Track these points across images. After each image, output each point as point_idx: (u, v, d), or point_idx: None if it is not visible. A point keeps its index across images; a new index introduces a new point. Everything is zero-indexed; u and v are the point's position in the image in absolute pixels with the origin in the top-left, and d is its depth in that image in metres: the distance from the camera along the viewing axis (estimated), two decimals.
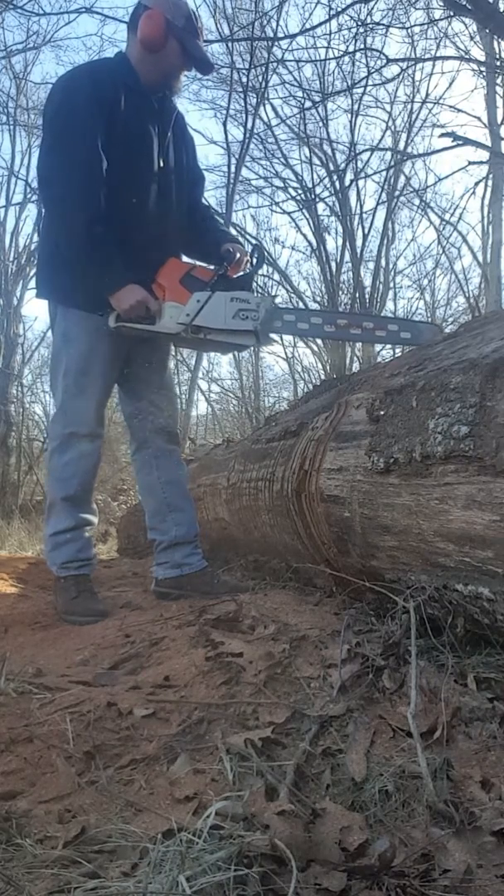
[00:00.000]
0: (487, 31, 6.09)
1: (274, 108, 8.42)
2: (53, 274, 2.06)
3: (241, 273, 2.06)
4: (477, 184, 9.88)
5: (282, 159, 10.45)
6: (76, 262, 1.93)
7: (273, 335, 1.99)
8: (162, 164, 2.03)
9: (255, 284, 2.14)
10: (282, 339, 16.34)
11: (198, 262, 2.03)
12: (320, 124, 9.94)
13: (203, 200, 2.35)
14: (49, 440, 2.21)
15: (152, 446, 2.20)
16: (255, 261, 2.09)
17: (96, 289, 1.94)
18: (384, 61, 6.07)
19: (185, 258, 2.15)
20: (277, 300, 2.17)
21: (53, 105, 1.93)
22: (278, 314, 2.00)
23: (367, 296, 10.48)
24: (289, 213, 11.19)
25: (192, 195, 2.21)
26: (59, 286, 2.05)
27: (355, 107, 9.70)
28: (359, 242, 10.54)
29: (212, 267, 2.03)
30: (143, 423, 2.21)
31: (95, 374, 2.05)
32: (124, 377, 2.19)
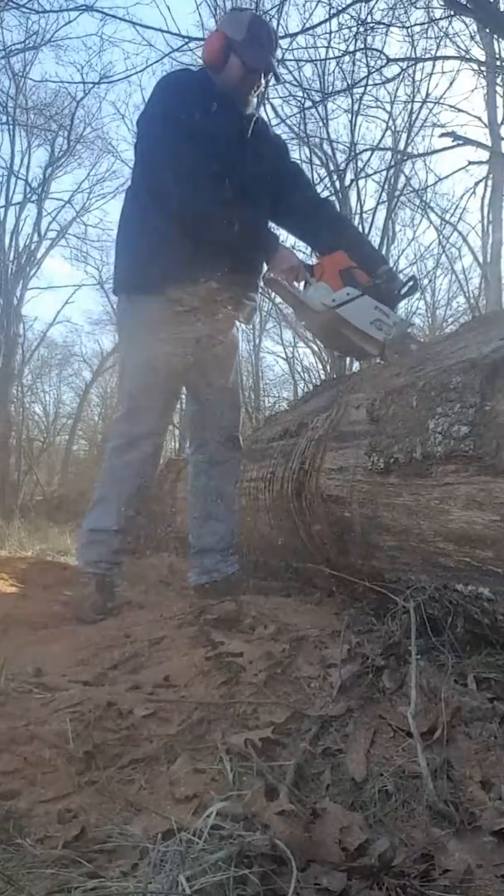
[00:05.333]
0: (487, 30, 6.08)
1: (274, 108, 8.36)
2: (135, 261, 2.08)
3: (395, 293, 2.17)
4: (477, 184, 9.85)
5: None
6: (226, 231, 1.95)
7: (396, 355, 2.10)
8: (242, 165, 2.06)
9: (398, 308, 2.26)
10: (281, 339, 16.37)
11: (361, 266, 2.11)
12: (320, 124, 9.92)
13: (314, 194, 2.39)
14: (111, 437, 2.22)
15: (209, 451, 2.22)
16: (407, 288, 2.20)
17: (253, 253, 2.06)
18: (384, 61, 6.04)
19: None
20: (411, 330, 2.27)
21: (160, 102, 2.02)
22: (408, 340, 2.11)
23: None
24: None
25: (290, 190, 2.24)
26: (137, 273, 2.07)
27: (355, 107, 9.69)
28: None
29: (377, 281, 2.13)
30: (203, 428, 2.22)
31: (161, 375, 2.05)
32: (191, 379, 2.20)
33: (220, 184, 1.96)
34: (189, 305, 2.00)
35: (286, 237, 2.73)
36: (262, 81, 2.11)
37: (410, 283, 2.19)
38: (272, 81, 2.18)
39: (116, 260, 2.17)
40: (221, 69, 2.03)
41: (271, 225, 2.23)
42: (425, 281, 12.96)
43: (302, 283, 2.11)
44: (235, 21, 2.04)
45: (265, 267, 2.14)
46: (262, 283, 2.19)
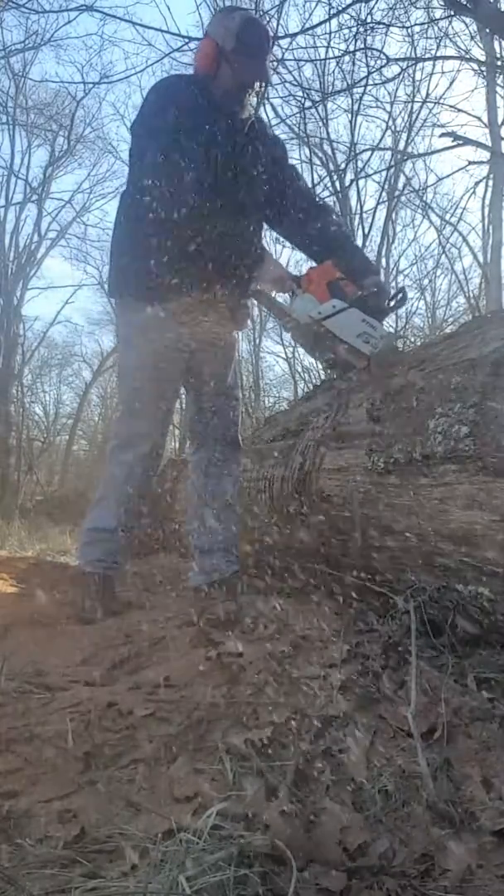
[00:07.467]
0: (487, 30, 6.08)
1: (274, 108, 8.37)
2: (126, 266, 2.08)
3: (383, 306, 2.14)
4: (477, 184, 9.91)
5: None
6: (214, 237, 1.94)
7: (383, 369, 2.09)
8: (233, 173, 2.05)
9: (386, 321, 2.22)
10: (281, 339, 16.37)
11: (348, 278, 2.09)
12: (320, 124, 9.93)
13: (310, 201, 2.33)
14: (112, 437, 2.22)
15: (208, 453, 2.21)
16: (396, 301, 2.18)
17: (243, 258, 2.01)
18: (384, 61, 6.04)
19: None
20: (399, 343, 2.25)
21: (151, 109, 2.01)
22: (395, 354, 2.10)
23: None
24: None
25: (285, 196, 2.22)
26: (128, 279, 2.07)
27: (355, 106, 9.69)
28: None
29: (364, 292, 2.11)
30: (203, 428, 2.21)
31: (158, 377, 2.06)
32: (190, 380, 2.20)
33: (210, 190, 1.95)
34: (182, 310, 2.00)
35: (284, 240, 2.71)
36: (257, 86, 2.10)
37: (399, 296, 2.17)
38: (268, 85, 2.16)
39: (111, 264, 2.18)
40: (214, 77, 2.02)
41: (266, 227, 2.22)
42: (425, 281, 12.97)
43: (289, 295, 2.10)
44: (225, 27, 2.00)
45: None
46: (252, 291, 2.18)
